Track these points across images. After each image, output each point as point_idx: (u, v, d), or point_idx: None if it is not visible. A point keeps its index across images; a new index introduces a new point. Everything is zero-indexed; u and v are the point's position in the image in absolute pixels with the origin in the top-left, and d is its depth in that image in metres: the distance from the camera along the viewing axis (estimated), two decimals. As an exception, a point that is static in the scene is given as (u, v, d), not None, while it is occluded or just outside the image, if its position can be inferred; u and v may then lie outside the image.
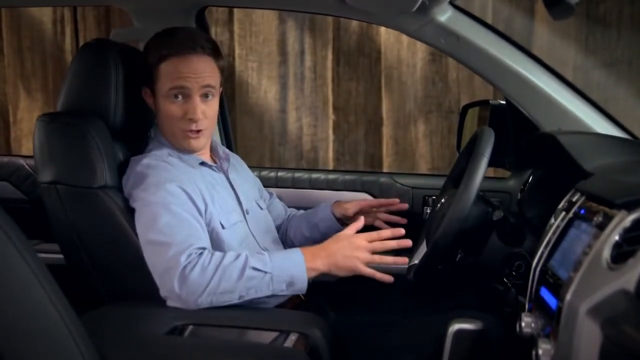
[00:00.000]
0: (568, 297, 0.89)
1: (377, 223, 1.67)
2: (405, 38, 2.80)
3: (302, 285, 1.30)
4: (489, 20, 2.75)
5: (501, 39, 1.65)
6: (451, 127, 2.97)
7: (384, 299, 1.58)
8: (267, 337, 1.23)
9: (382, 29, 2.97)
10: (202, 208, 1.38)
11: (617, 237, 0.88)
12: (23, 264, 0.84)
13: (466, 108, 1.97)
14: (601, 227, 0.93)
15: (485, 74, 1.67)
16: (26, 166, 2.13)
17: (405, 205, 1.70)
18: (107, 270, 1.44)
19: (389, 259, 1.33)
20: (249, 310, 1.30)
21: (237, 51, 3.10)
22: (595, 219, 0.97)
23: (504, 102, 1.80)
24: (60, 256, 1.50)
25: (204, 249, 1.29)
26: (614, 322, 0.78)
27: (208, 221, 1.39)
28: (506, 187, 1.98)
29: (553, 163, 1.47)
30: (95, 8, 3.18)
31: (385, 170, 3.08)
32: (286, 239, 1.74)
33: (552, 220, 1.16)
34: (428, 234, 1.42)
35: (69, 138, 1.42)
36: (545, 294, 1.02)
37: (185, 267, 1.24)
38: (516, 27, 2.87)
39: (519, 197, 1.70)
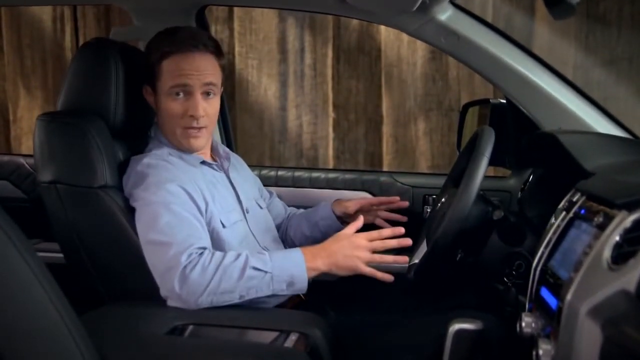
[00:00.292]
0: (568, 297, 0.89)
1: (378, 221, 1.67)
2: (405, 36, 2.80)
3: (302, 285, 1.29)
4: (489, 19, 2.75)
5: (501, 37, 1.65)
6: (451, 125, 2.97)
7: (384, 298, 1.58)
8: (267, 337, 1.23)
9: (382, 27, 2.97)
10: (203, 207, 1.38)
11: (617, 238, 0.88)
12: (23, 264, 0.84)
13: (466, 107, 1.97)
14: (602, 227, 0.93)
15: (485, 72, 1.67)
16: (26, 165, 2.12)
17: (406, 203, 1.70)
18: (107, 270, 1.44)
19: (390, 258, 1.33)
20: (249, 310, 1.30)
21: (237, 49, 3.10)
22: (595, 219, 0.97)
23: (504, 101, 1.79)
24: (60, 255, 1.50)
25: (205, 248, 1.29)
26: (615, 323, 0.78)
27: (208, 220, 1.39)
28: (506, 186, 1.98)
29: (553, 162, 1.47)
30: (95, 6, 3.18)
31: (385, 168, 3.08)
32: (286, 238, 1.74)
33: (553, 220, 1.16)
34: (428, 234, 1.42)
35: (69, 137, 1.42)
36: (545, 294, 1.02)
37: (185, 266, 1.24)
38: (516, 25, 2.86)
39: (519, 196, 1.70)
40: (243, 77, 3.13)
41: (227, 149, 1.66)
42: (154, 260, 1.30)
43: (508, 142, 1.74)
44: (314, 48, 3.08)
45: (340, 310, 1.58)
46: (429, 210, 1.82)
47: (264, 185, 1.80)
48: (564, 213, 1.12)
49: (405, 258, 1.43)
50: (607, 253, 0.88)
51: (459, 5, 1.64)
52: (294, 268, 1.29)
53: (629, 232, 0.88)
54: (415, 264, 1.37)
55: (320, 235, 1.64)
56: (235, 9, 3.08)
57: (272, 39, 3.09)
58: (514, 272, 1.30)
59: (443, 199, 1.44)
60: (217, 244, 1.38)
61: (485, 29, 1.65)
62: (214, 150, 1.59)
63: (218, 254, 1.28)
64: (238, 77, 3.12)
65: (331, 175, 2.10)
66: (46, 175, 1.42)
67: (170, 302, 1.27)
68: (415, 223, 1.60)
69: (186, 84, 1.41)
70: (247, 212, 1.54)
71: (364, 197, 1.96)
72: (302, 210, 1.80)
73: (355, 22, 3.02)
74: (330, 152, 3.14)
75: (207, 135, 1.49)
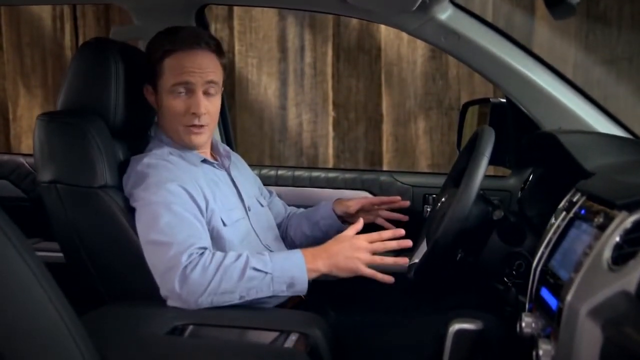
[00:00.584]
0: (568, 297, 0.89)
1: (379, 221, 1.67)
2: (405, 35, 2.80)
3: (302, 287, 1.29)
4: (489, 18, 2.75)
5: (501, 37, 1.65)
6: (451, 124, 2.96)
7: (384, 298, 1.58)
8: (268, 337, 1.23)
9: (382, 26, 2.96)
10: (203, 206, 1.38)
11: (617, 238, 0.88)
12: (22, 264, 0.84)
13: (466, 106, 1.96)
14: (602, 227, 0.93)
15: (485, 72, 1.67)
16: (26, 164, 2.12)
17: (407, 203, 1.70)
18: (107, 270, 1.44)
19: (390, 259, 1.33)
20: (249, 310, 1.30)
21: (236, 47, 3.10)
22: (595, 219, 0.97)
23: (504, 100, 1.79)
24: (60, 255, 1.50)
25: (205, 248, 1.29)
26: (615, 324, 0.79)
27: (209, 219, 1.39)
28: (506, 186, 1.98)
29: (553, 162, 1.47)
30: (94, 4, 3.17)
31: (385, 167, 3.07)
32: (286, 238, 1.73)
33: (553, 220, 1.16)
34: (428, 233, 1.41)
35: (69, 137, 1.42)
36: (545, 294, 1.01)
37: (186, 267, 1.24)
38: (516, 24, 2.86)
39: (519, 195, 1.70)
40: (243, 76, 3.12)
41: (228, 148, 1.66)
42: (154, 260, 1.30)
43: (508, 141, 1.74)
44: (314, 46, 3.08)
45: (340, 310, 1.58)
46: (429, 209, 1.82)
47: (264, 185, 1.80)
48: (564, 213, 1.12)
49: (406, 259, 1.43)
50: (607, 254, 0.88)
51: (459, 4, 1.64)
52: (295, 269, 1.29)
53: (629, 232, 0.88)
54: (415, 263, 1.37)
55: (321, 235, 1.64)
56: (235, 8, 3.07)
57: (272, 38, 3.09)
58: (514, 272, 1.30)
59: (443, 199, 1.44)
60: (218, 242, 1.39)
61: (485, 28, 1.65)
62: (214, 149, 1.59)
63: (219, 254, 1.28)
64: (238, 76, 3.12)
65: (331, 174, 2.10)
66: (46, 175, 1.42)
67: (171, 302, 1.27)
68: (415, 222, 1.60)
69: (188, 82, 1.41)
70: (249, 210, 1.54)
71: (364, 196, 1.96)
72: (302, 209, 1.80)
73: (355, 20, 3.01)
74: (330, 150, 3.13)
75: (209, 133, 1.49)
